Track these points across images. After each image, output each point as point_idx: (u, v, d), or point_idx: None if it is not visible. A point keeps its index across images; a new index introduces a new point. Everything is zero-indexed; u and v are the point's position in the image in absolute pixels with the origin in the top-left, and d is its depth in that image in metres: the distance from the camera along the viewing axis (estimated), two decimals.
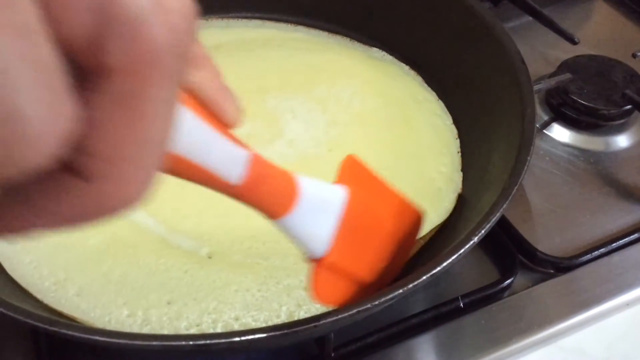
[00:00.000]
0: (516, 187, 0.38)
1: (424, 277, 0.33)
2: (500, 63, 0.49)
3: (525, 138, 0.41)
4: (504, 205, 0.37)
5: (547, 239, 0.52)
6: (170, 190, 0.46)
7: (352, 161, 0.34)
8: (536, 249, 0.49)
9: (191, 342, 0.30)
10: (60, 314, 0.40)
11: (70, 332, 0.30)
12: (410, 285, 0.33)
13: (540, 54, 0.71)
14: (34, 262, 0.42)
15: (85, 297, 0.40)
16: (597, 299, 0.47)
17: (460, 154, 0.51)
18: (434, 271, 0.33)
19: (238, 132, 0.51)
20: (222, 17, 0.65)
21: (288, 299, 0.40)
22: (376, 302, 0.32)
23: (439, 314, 0.46)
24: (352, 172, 0.34)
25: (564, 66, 0.64)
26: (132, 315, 0.39)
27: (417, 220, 0.39)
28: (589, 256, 0.50)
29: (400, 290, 0.32)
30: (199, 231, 0.44)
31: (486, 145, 0.48)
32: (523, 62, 0.48)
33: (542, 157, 0.60)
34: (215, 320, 0.39)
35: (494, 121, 0.48)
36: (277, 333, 0.30)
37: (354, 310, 0.32)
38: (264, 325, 0.39)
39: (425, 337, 0.45)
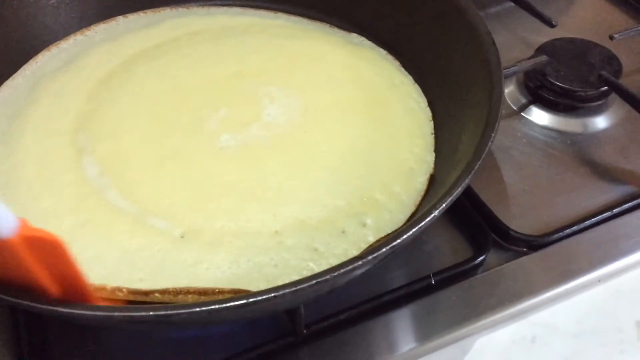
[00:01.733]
0: (479, 162, 0.38)
1: (384, 250, 0.34)
2: (472, 45, 0.50)
3: (491, 115, 0.42)
4: (467, 180, 0.37)
5: (521, 219, 0.53)
6: (145, 172, 0.47)
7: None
8: (509, 228, 0.50)
9: (151, 313, 0.31)
10: None
11: (33, 304, 0.31)
12: (370, 257, 0.33)
13: (521, 38, 0.72)
14: None
15: None
16: (568, 275, 0.48)
17: (434, 135, 0.52)
18: (394, 243, 0.34)
19: (216, 116, 0.52)
20: (203, 5, 0.66)
21: (258, 275, 0.41)
22: (335, 274, 0.33)
23: (412, 291, 0.47)
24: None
25: (542, 49, 0.65)
26: (102, 289, 0.40)
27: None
28: (560, 234, 0.50)
29: (360, 262, 0.33)
30: (173, 211, 0.44)
31: (458, 126, 0.49)
32: (493, 43, 0.48)
33: (519, 139, 0.61)
34: (185, 297, 0.40)
35: (466, 102, 0.49)
36: (237, 303, 0.31)
37: (314, 282, 0.32)
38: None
39: (398, 313, 0.46)
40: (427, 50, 0.57)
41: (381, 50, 0.61)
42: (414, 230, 0.35)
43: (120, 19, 0.63)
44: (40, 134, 0.50)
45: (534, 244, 0.50)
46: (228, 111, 0.52)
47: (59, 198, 0.45)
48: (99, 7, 0.63)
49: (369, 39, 0.62)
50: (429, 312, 0.46)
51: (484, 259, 0.48)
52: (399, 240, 0.34)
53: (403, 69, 0.58)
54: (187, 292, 0.39)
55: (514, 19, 0.75)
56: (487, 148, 0.39)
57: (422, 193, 0.47)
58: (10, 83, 0.56)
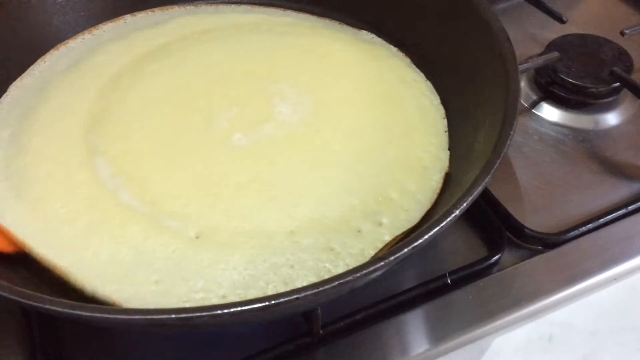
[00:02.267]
0: (499, 161, 0.38)
1: (405, 250, 0.33)
2: (486, 41, 0.49)
3: (508, 113, 0.41)
4: (486, 179, 0.37)
5: (535, 216, 0.52)
6: (158, 172, 0.47)
7: None
8: (524, 226, 0.50)
9: (173, 316, 0.30)
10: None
11: (54, 308, 0.31)
12: (392, 258, 0.33)
13: (530, 35, 0.72)
14: (25, 242, 0.43)
15: (73, 276, 0.40)
16: (584, 274, 0.48)
17: (447, 133, 0.51)
18: (416, 244, 0.34)
19: (227, 115, 0.51)
20: (211, 3, 0.65)
21: (275, 276, 0.41)
22: (357, 275, 0.32)
23: (427, 290, 0.46)
24: None
25: (552, 45, 0.65)
26: (119, 291, 0.39)
27: None
28: (576, 232, 0.50)
29: (382, 263, 0.33)
30: (187, 212, 0.44)
31: (472, 123, 0.48)
32: (508, 39, 0.48)
33: (531, 136, 0.60)
34: (203, 298, 0.40)
35: (480, 99, 0.48)
36: (259, 305, 0.31)
37: (336, 283, 0.32)
38: None
39: (414, 313, 0.46)
40: (439, 47, 0.56)
41: (392, 47, 0.60)
42: (435, 230, 0.34)
43: (128, 17, 0.63)
44: (51, 134, 0.50)
45: (549, 242, 0.50)
46: (239, 110, 0.52)
47: (72, 198, 0.45)
48: (107, 5, 0.63)
49: (379, 36, 0.61)
50: (445, 312, 0.46)
51: (499, 258, 0.48)
52: (420, 241, 0.34)
53: (414, 66, 0.58)
54: None
55: (522, 14, 0.74)
56: (506, 147, 0.39)
57: (437, 191, 0.46)
58: (18, 83, 0.56)
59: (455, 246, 0.50)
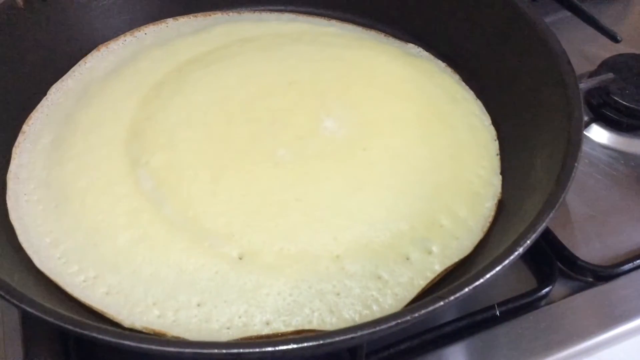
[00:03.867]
0: (563, 195, 0.36)
1: (466, 290, 0.32)
2: (544, 63, 0.47)
3: (572, 143, 0.39)
4: (551, 214, 0.35)
5: (586, 246, 0.50)
6: (200, 187, 0.45)
7: None
8: (576, 257, 0.48)
9: (224, 351, 0.29)
10: (89, 308, 0.39)
11: (101, 337, 0.29)
12: (452, 298, 0.31)
13: (579, 51, 0.69)
14: (63, 257, 0.42)
15: (115, 296, 0.39)
16: (638, 311, 0.46)
17: (499, 156, 0.49)
18: (477, 283, 0.32)
19: (270, 128, 0.50)
20: (254, 10, 0.64)
21: (320, 304, 0.39)
22: (416, 315, 0.31)
23: (473, 322, 0.45)
24: None
25: (606, 65, 0.62)
26: (162, 317, 0.38)
27: None
28: (630, 265, 0.48)
29: (441, 303, 0.31)
30: (230, 230, 0.43)
31: (528, 148, 0.46)
32: (569, 62, 0.46)
33: (581, 158, 0.58)
34: (245, 324, 0.39)
35: (537, 124, 0.46)
36: (313, 344, 0.29)
37: (393, 322, 0.30)
38: (294, 330, 0.38)
39: (458, 346, 0.44)
40: (491, 65, 0.54)
41: (440, 62, 0.58)
42: (497, 269, 0.33)
43: (170, 21, 0.61)
44: (92, 142, 0.49)
45: (602, 274, 0.48)
46: (283, 124, 0.50)
47: (113, 212, 0.44)
48: (150, 9, 0.62)
49: (427, 50, 0.59)
50: (492, 346, 0.44)
51: (550, 290, 0.46)
52: (482, 280, 0.32)
53: (463, 83, 0.56)
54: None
55: (569, 28, 0.71)
56: (571, 180, 0.37)
57: (490, 219, 0.44)
58: (59, 85, 0.55)
59: (502, 275, 0.48)
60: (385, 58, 0.58)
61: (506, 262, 0.33)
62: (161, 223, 0.43)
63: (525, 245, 0.33)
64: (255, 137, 0.49)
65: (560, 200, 0.36)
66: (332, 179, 0.46)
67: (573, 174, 0.37)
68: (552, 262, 0.48)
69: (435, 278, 0.41)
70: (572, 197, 0.55)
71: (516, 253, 0.33)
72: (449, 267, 0.41)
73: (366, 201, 0.45)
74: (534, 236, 0.34)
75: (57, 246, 0.43)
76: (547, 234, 0.49)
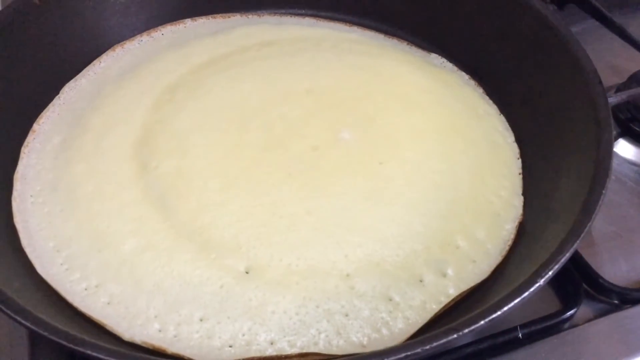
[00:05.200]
0: (589, 225, 0.34)
1: (482, 322, 0.30)
2: (573, 81, 0.45)
3: (601, 169, 0.37)
4: (575, 245, 0.33)
5: (612, 266, 0.48)
6: (209, 196, 0.44)
7: None
8: (601, 277, 0.45)
9: None
10: (90, 318, 0.38)
11: (95, 354, 0.28)
12: (466, 331, 0.30)
13: (606, 62, 0.66)
14: (66, 264, 0.41)
15: (116, 306, 0.38)
16: None
17: (521, 176, 0.47)
18: (494, 316, 0.30)
19: (285, 136, 0.48)
20: (275, 13, 0.62)
21: (327, 325, 0.38)
22: (427, 347, 0.29)
23: (495, 344, 0.42)
24: None
25: (634, 78, 0.60)
26: (163, 331, 0.37)
27: None
28: None
29: (455, 336, 0.29)
30: (237, 243, 0.41)
31: (552, 169, 0.44)
32: (600, 82, 0.44)
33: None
34: (249, 342, 0.37)
35: (563, 144, 0.44)
36: None
37: (402, 355, 0.29)
38: (299, 353, 0.36)
39: None
40: (516, 80, 0.52)
41: (463, 74, 0.56)
42: (516, 301, 0.31)
43: (188, 21, 0.60)
44: (102, 144, 0.47)
45: (629, 297, 0.45)
46: (298, 133, 0.49)
47: (119, 218, 0.42)
48: (168, 8, 0.60)
49: (450, 61, 0.57)
50: None
51: (575, 312, 0.44)
52: (499, 313, 0.30)
53: (487, 97, 0.54)
54: None
55: (596, 38, 0.69)
56: (598, 208, 0.35)
57: (510, 243, 0.42)
58: (73, 84, 0.54)
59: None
60: (407, 68, 0.56)
61: (526, 294, 0.31)
62: (167, 232, 0.42)
63: (546, 276, 0.32)
64: (268, 146, 0.48)
65: (586, 229, 0.34)
66: (346, 193, 0.45)
67: (600, 202, 0.35)
68: (577, 282, 0.45)
69: (449, 303, 0.39)
70: (598, 215, 0.52)
71: (537, 285, 0.31)
72: (464, 291, 0.39)
73: (380, 218, 0.43)
74: (556, 267, 0.32)
75: (60, 251, 0.41)
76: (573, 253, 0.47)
